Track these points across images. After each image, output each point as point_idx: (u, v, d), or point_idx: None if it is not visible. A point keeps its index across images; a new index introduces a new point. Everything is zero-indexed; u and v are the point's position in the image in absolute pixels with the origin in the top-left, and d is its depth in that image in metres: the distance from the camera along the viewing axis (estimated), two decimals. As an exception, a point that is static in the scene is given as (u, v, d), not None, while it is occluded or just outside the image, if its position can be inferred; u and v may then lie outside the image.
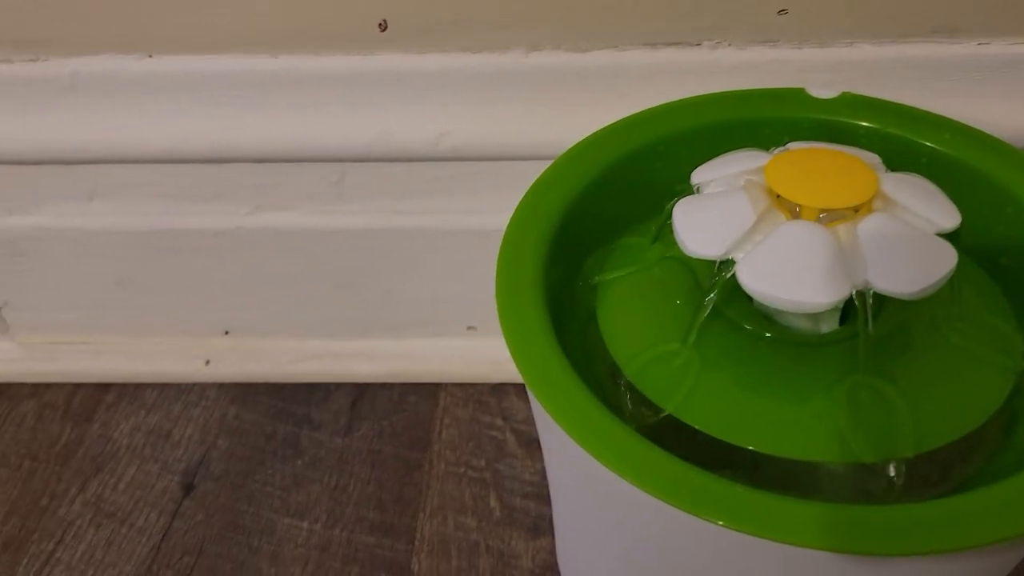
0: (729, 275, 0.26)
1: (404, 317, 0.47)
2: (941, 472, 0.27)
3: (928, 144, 0.33)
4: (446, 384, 0.47)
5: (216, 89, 0.39)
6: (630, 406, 0.29)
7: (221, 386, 0.48)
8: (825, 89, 0.36)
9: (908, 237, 0.26)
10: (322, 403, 0.47)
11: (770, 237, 0.26)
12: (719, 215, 0.27)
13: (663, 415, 0.27)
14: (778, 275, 0.25)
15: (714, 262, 0.27)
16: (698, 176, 0.30)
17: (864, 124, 0.34)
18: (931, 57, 0.37)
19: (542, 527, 0.40)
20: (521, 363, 0.27)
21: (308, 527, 0.41)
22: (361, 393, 0.47)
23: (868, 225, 0.26)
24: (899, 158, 0.34)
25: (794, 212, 0.27)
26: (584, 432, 0.25)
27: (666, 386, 0.27)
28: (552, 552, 0.39)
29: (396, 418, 0.46)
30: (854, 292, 0.25)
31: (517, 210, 0.32)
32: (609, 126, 0.35)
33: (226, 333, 0.48)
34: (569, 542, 0.35)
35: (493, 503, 0.41)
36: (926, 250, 0.25)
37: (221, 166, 0.41)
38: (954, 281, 0.29)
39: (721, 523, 0.22)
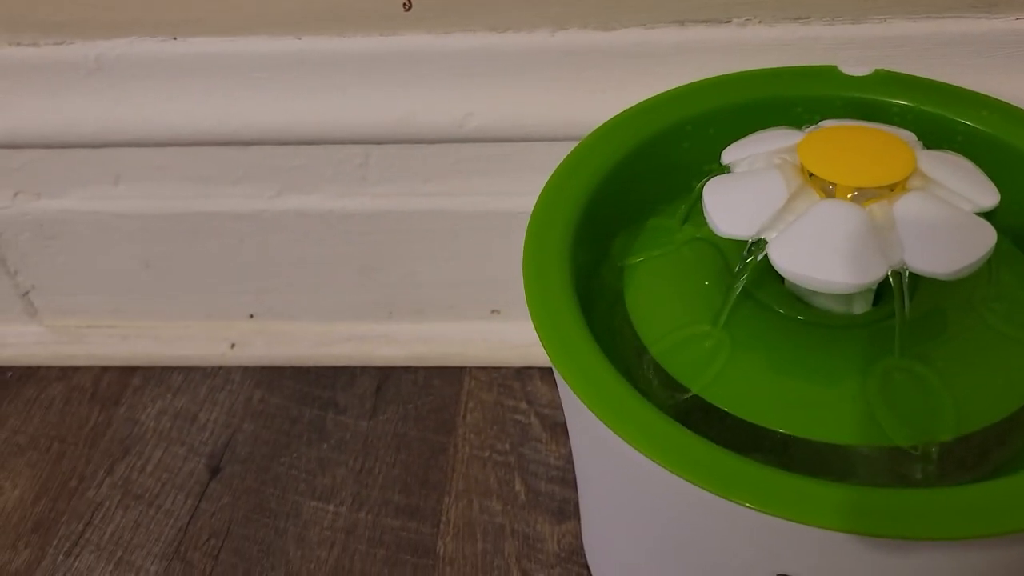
0: (761, 256, 0.26)
1: (428, 300, 0.47)
2: (978, 455, 0.26)
3: (964, 122, 0.33)
4: (470, 368, 0.47)
5: (240, 71, 0.39)
6: (656, 387, 0.28)
7: (246, 369, 0.48)
8: (858, 66, 0.35)
9: (946, 216, 0.25)
10: (347, 387, 0.47)
11: (803, 217, 0.25)
12: (750, 194, 0.27)
13: (689, 396, 0.27)
14: (811, 255, 0.25)
15: (745, 243, 0.26)
16: (729, 155, 0.29)
17: (898, 102, 0.34)
18: (968, 33, 0.36)
19: (567, 511, 0.40)
20: (549, 344, 0.27)
21: (334, 510, 0.41)
22: (386, 377, 0.47)
23: (904, 204, 0.25)
24: (934, 136, 0.33)
25: (828, 191, 0.26)
26: (612, 413, 0.24)
27: (694, 367, 0.27)
28: (578, 536, 0.39)
29: (421, 402, 0.45)
30: (890, 272, 0.24)
31: (543, 192, 0.32)
32: (636, 106, 0.35)
33: (251, 317, 0.48)
34: (596, 526, 0.34)
35: (518, 487, 0.41)
36: (964, 229, 0.25)
37: (245, 149, 0.41)
38: (992, 261, 0.28)
39: (750, 505, 0.22)
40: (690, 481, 0.23)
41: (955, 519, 0.21)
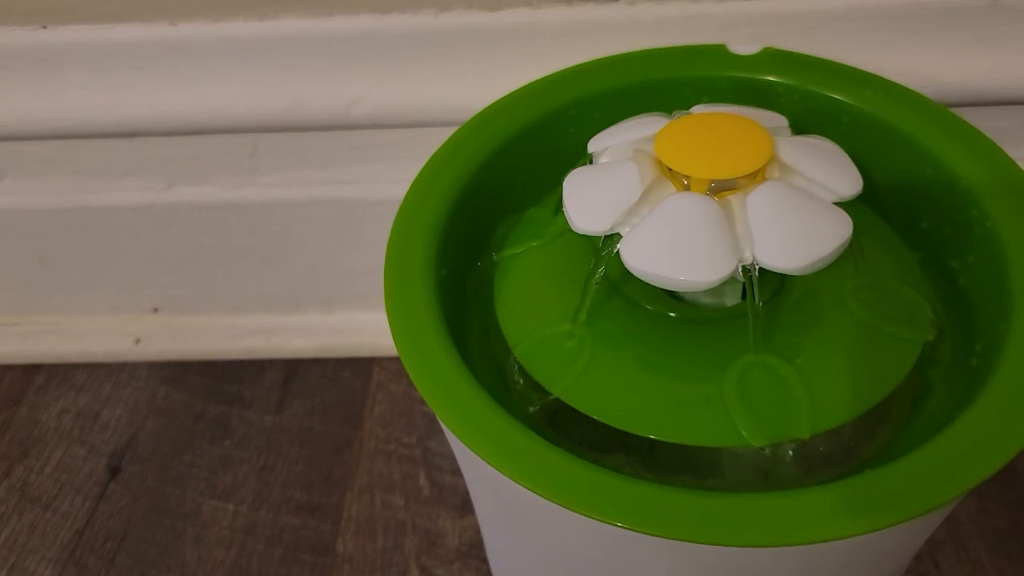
0: (614, 251, 0.25)
1: (336, 291, 0.46)
2: (845, 450, 0.26)
3: (849, 101, 0.31)
4: (380, 358, 0.46)
5: (115, 60, 0.38)
6: (522, 389, 0.27)
7: (152, 365, 0.47)
8: (746, 45, 0.34)
9: (801, 207, 0.24)
10: (254, 381, 0.46)
11: (655, 211, 0.24)
12: (606, 188, 0.26)
13: (551, 399, 0.26)
14: (659, 251, 0.24)
15: (600, 238, 0.25)
16: (594, 144, 0.28)
17: (785, 81, 0.33)
18: (864, 7, 0.35)
19: (470, 505, 0.39)
20: (399, 344, 0.26)
21: (234, 509, 0.40)
22: (294, 370, 0.46)
23: (759, 195, 0.24)
24: (821, 116, 0.32)
25: (685, 183, 0.25)
26: (454, 416, 0.23)
27: (556, 368, 0.26)
28: (479, 530, 0.38)
29: (329, 395, 0.45)
30: (740, 268, 0.24)
31: (414, 183, 0.31)
32: (518, 90, 0.34)
33: (155, 311, 0.47)
34: (481, 523, 0.34)
35: (422, 481, 0.40)
36: (819, 221, 0.24)
37: (130, 141, 0.40)
38: (861, 250, 0.27)
39: (580, 511, 0.21)
40: (528, 488, 0.22)
41: (782, 526, 0.20)
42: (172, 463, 0.42)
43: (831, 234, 0.24)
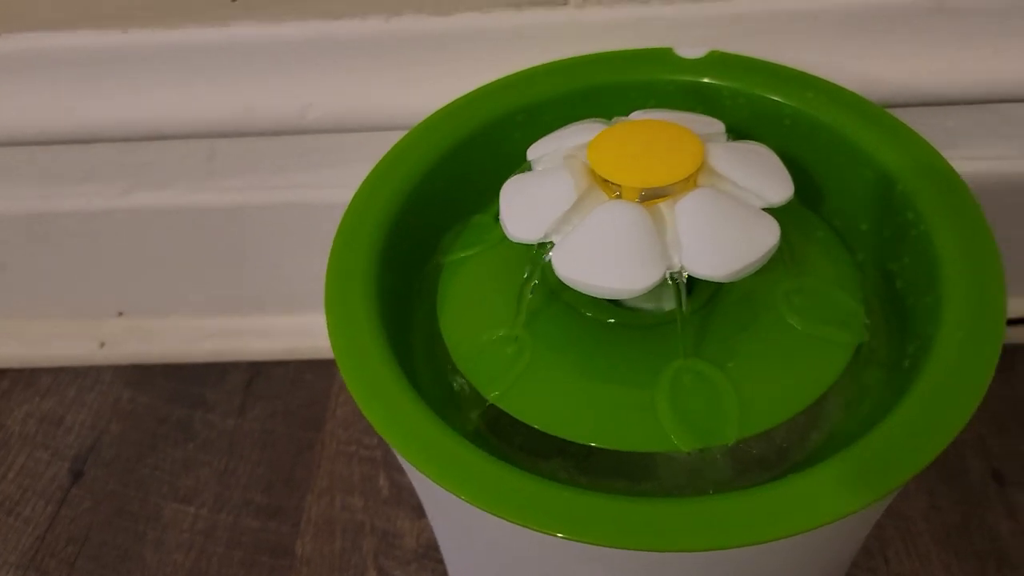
0: (547, 259, 0.25)
1: (300, 293, 0.46)
2: (778, 453, 0.26)
3: (790, 104, 0.32)
4: (343, 360, 0.46)
5: (68, 67, 0.38)
6: (462, 396, 0.28)
7: (117, 369, 0.47)
8: (693, 48, 0.34)
9: (729, 214, 0.24)
10: (218, 383, 0.46)
11: (586, 219, 0.25)
12: (540, 196, 0.26)
13: (487, 405, 0.26)
14: (588, 260, 0.24)
15: (534, 246, 0.26)
16: (532, 152, 0.28)
17: (729, 84, 0.33)
18: (812, 10, 0.36)
19: (429, 505, 0.40)
20: (337, 350, 0.26)
21: (194, 512, 0.40)
22: (257, 372, 0.46)
23: (687, 203, 0.24)
24: (764, 119, 0.33)
25: (616, 191, 0.25)
26: (386, 421, 0.24)
27: (493, 374, 0.26)
28: (437, 531, 0.39)
29: (291, 397, 0.45)
30: (668, 275, 0.24)
31: (359, 190, 0.31)
32: (466, 95, 0.34)
33: (120, 314, 0.47)
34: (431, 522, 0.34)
35: (382, 482, 0.41)
36: (747, 228, 0.24)
37: (86, 147, 0.40)
38: (793, 254, 0.28)
39: (500, 515, 0.21)
40: (452, 493, 0.22)
41: (699, 531, 0.21)
42: (135, 466, 0.43)
43: (758, 241, 0.24)
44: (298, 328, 0.47)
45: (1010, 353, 0.43)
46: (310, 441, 0.43)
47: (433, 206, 0.32)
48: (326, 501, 0.40)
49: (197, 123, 0.39)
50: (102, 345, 0.47)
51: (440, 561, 0.38)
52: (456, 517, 0.27)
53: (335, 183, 0.41)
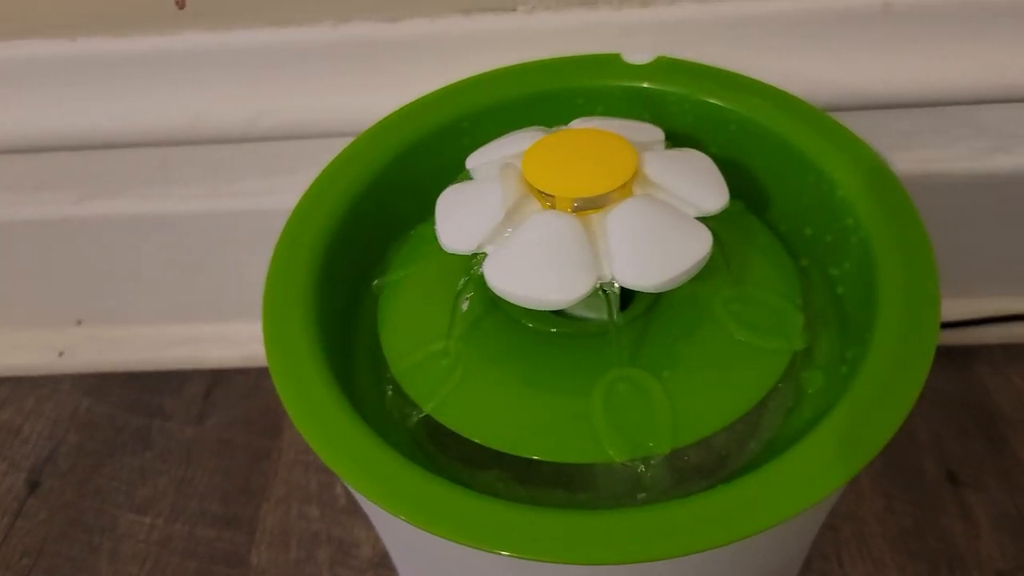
0: (480, 270, 0.25)
1: (257, 299, 0.45)
2: (717, 461, 0.26)
3: (735, 110, 0.32)
4: (303, 367, 0.46)
5: (18, 76, 0.37)
6: (400, 409, 0.27)
7: (76, 377, 0.47)
8: (641, 54, 0.34)
9: (661, 224, 0.24)
10: (177, 392, 0.46)
11: (519, 230, 0.25)
12: (475, 206, 0.26)
13: (422, 416, 0.26)
14: (520, 271, 0.24)
15: (470, 256, 0.26)
16: (471, 160, 0.28)
17: (675, 91, 0.33)
18: (760, 15, 0.36)
19: (385, 513, 0.39)
20: (273, 365, 0.26)
21: (150, 522, 0.40)
22: (217, 380, 0.46)
23: (620, 213, 0.24)
24: (710, 124, 0.33)
25: (549, 201, 0.25)
26: (318, 436, 0.24)
27: (429, 386, 0.26)
28: (393, 539, 0.38)
29: (250, 405, 0.45)
30: (599, 286, 0.24)
31: (300, 201, 0.31)
32: (412, 103, 0.34)
33: (79, 323, 0.47)
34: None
35: (339, 491, 0.41)
36: (678, 238, 0.24)
37: (38, 156, 0.40)
38: (728, 262, 0.28)
39: (429, 530, 0.21)
40: (385, 509, 0.22)
41: (627, 543, 0.21)
42: (92, 476, 0.42)
43: (689, 250, 0.24)
44: (258, 335, 0.46)
45: (966, 355, 0.43)
46: (267, 450, 0.43)
47: (379, 215, 0.32)
48: (282, 510, 0.40)
49: (148, 131, 0.38)
50: (61, 354, 0.47)
51: (395, 569, 0.38)
52: (394, 529, 0.26)
53: (291, 190, 0.41)
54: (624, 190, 0.25)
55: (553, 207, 0.25)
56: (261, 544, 0.39)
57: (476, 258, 0.25)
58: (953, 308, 0.43)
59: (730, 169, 0.32)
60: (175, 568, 0.38)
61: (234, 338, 0.47)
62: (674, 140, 0.33)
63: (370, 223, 0.31)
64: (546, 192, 0.25)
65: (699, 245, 0.24)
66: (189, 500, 0.41)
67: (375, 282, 0.30)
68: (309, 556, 0.38)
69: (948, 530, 0.37)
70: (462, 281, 0.26)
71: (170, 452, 0.43)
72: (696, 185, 0.26)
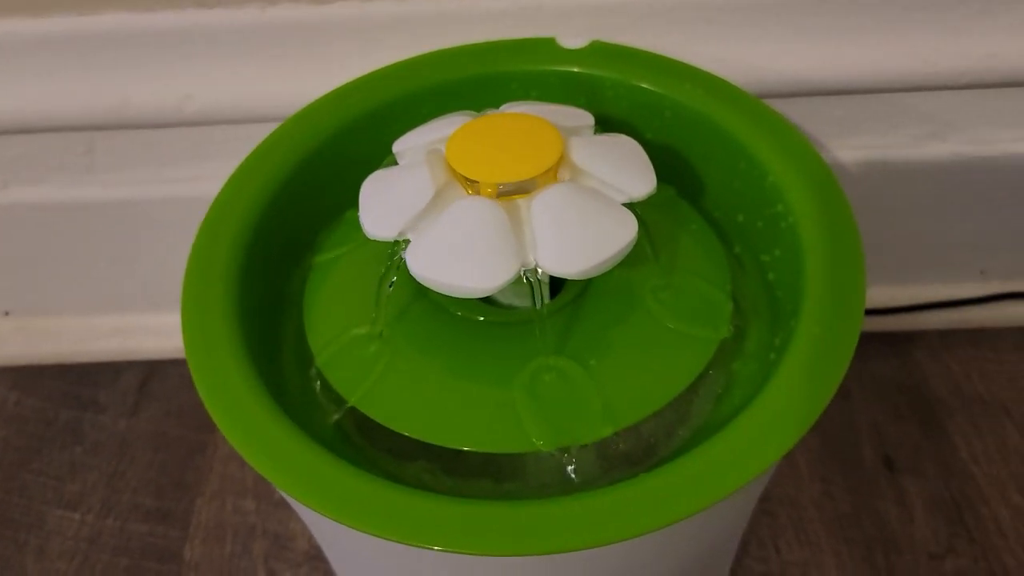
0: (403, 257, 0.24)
1: (194, 289, 0.45)
2: (645, 449, 0.26)
3: (669, 95, 0.31)
4: (240, 357, 0.45)
5: (-69, 57, 0.36)
6: (326, 399, 0.27)
7: (3, 370, 0.45)
8: (575, 39, 0.33)
9: (585, 210, 0.24)
10: (111, 384, 0.44)
11: (441, 216, 0.24)
12: (399, 192, 0.25)
13: (348, 408, 0.25)
14: (441, 258, 0.23)
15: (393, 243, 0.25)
16: (398, 145, 0.28)
17: (609, 75, 0.32)
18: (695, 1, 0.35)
19: (322, 505, 0.39)
20: (190, 355, 0.25)
21: (80, 518, 0.39)
22: (152, 372, 0.45)
23: (544, 199, 0.24)
24: (645, 110, 0.32)
25: (474, 187, 0.25)
26: (234, 428, 0.23)
27: (353, 376, 0.26)
28: (329, 531, 0.38)
29: (185, 397, 0.44)
30: (523, 273, 0.23)
31: (225, 184, 0.30)
32: (345, 85, 0.33)
33: (6, 314, 0.46)
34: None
35: (275, 482, 0.40)
36: (603, 224, 0.24)
37: (-43, 140, 0.38)
38: (662, 248, 0.27)
39: (347, 523, 0.21)
40: (305, 504, 0.22)
41: (545, 533, 0.20)
42: (19, 472, 0.41)
43: (613, 237, 0.24)
44: (194, 326, 0.45)
45: (905, 341, 0.44)
46: (202, 443, 0.42)
47: (310, 200, 0.31)
48: (217, 504, 0.39)
49: (72, 115, 0.37)
50: (-12, 346, 0.45)
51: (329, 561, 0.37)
52: (317, 522, 0.26)
53: (221, 176, 0.40)
54: (549, 175, 0.24)
55: (477, 193, 0.24)
56: (195, 539, 0.38)
57: (400, 245, 0.25)
58: (891, 294, 0.44)
59: (665, 155, 0.32)
60: (105, 565, 0.37)
61: (170, 329, 0.45)
62: (609, 125, 0.32)
63: (301, 209, 0.31)
64: (470, 178, 0.24)
65: (624, 231, 0.24)
66: (121, 495, 0.40)
67: (307, 258, 0.30)
68: (244, 550, 0.37)
69: (884, 515, 0.38)
70: (384, 269, 0.25)
71: (102, 446, 0.42)
72: (623, 171, 0.25)
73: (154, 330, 0.45)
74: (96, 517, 0.39)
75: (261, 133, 0.38)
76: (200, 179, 0.40)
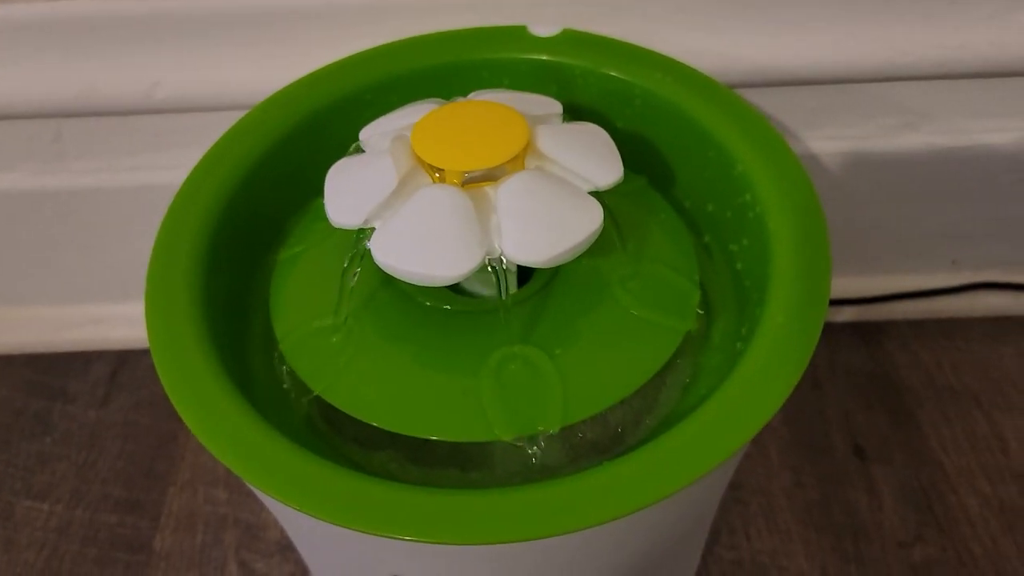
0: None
1: (165, 278, 0.44)
2: (612, 438, 0.26)
3: (640, 84, 0.31)
4: (212, 347, 0.45)
5: None
6: (292, 387, 0.27)
7: (-27, 360, 0.45)
8: (546, 27, 0.33)
9: (551, 198, 0.24)
10: (81, 374, 0.44)
11: (406, 204, 0.24)
12: (364, 180, 0.25)
13: (314, 397, 0.25)
14: (406, 246, 0.23)
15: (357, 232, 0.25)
16: (364, 132, 0.28)
17: (580, 64, 0.32)
18: (668, -12, 0.35)
19: (294, 495, 0.39)
20: (153, 345, 0.25)
21: (49, 509, 0.39)
22: (123, 361, 0.44)
23: (509, 187, 0.24)
24: (615, 98, 0.32)
25: (439, 175, 0.24)
26: (194, 414, 0.23)
27: (319, 365, 0.26)
28: (301, 521, 0.38)
29: (157, 387, 0.43)
30: (488, 261, 0.23)
31: (192, 172, 0.30)
32: (315, 72, 0.33)
33: (-26, 303, 0.45)
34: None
35: (247, 472, 0.39)
36: (568, 212, 0.24)
37: (-80, 127, 0.38)
38: (629, 237, 0.27)
39: (313, 514, 0.21)
40: (268, 494, 0.22)
41: (506, 522, 0.20)
42: (-13, 463, 0.41)
43: (579, 225, 0.23)
44: (165, 315, 0.45)
45: (876, 331, 0.44)
46: (173, 432, 0.41)
47: (276, 189, 0.31)
48: (188, 494, 0.39)
49: (40, 102, 0.37)
50: (-44, 336, 0.45)
51: (303, 552, 0.37)
52: (283, 511, 0.26)
53: (191, 164, 0.39)
54: (515, 163, 0.24)
55: (443, 181, 0.24)
56: (166, 529, 0.38)
57: (365, 233, 0.25)
58: (862, 284, 0.44)
59: (636, 144, 0.32)
60: (74, 555, 0.37)
61: (140, 319, 0.45)
62: (580, 114, 0.32)
63: (268, 198, 0.30)
64: (435, 165, 0.24)
65: (589, 220, 0.24)
66: (91, 485, 0.40)
67: (274, 247, 0.30)
68: (216, 540, 0.37)
69: (854, 503, 0.38)
70: (348, 257, 0.25)
71: (72, 436, 0.41)
72: (590, 159, 0.25)
73: (124, 319, 0.45)
74: (65, 508, 0.39)
75: (230, 120, 0.38)
76: (170, 167, 0.39)
